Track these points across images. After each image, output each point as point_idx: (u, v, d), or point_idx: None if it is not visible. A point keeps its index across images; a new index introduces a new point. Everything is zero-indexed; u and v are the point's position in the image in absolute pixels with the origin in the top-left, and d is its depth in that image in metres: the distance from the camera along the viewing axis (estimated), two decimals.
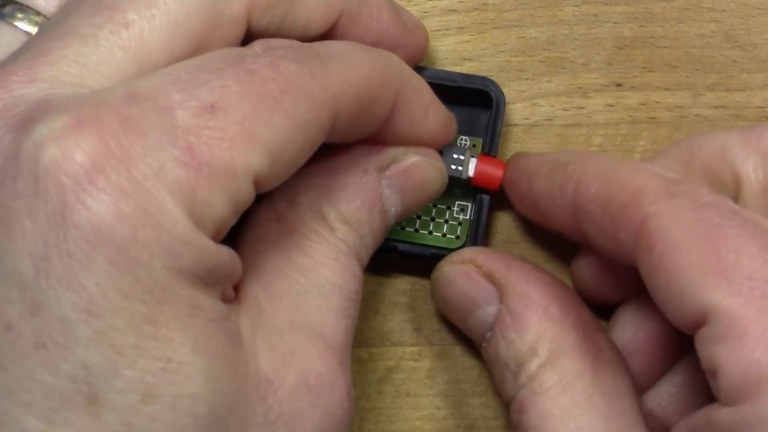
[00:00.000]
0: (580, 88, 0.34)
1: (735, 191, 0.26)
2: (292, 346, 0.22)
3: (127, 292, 0.19)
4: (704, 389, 0.23)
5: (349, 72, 0.23)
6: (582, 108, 0.34)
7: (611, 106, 0.34)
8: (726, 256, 0.21)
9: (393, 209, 0.26)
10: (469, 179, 0.30)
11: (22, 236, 0.19)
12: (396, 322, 0.33)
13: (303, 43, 0.24)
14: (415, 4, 0.34)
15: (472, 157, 0.30)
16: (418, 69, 0.31)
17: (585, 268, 0.30)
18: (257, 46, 0.23)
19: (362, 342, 0.33)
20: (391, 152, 0.26)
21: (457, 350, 0.33)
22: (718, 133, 0.26)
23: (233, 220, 0.21)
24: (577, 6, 0.34)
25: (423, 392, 0.33)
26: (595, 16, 0.34)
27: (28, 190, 0.19)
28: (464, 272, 0.29)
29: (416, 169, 0.27)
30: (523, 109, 0.34)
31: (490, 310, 0.28)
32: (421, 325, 0.33)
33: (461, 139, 0.33)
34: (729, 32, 0.34)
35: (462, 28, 0.34)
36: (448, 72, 0.32)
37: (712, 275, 0.21)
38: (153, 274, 0.19)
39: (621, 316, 0.29)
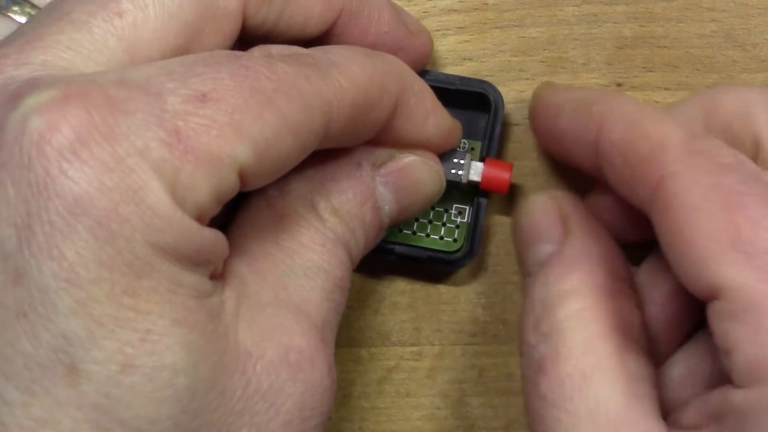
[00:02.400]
0: (580, 88, 0.34)
1: (755, 153, 0.25)
2: (274, 320, 0.22)
3: (107, 263, 0.19)
4: (719, 368, 0.23)
5: (346, 79, 0.23)
6: None
7: None
8: (744, 227, 0.21)
9: (387, 207, 0.26)
10: (470, 183, 0.30)
11: (6, 205, 0.19)
12: (396, 322, 0.33)
13: (303, 50, 0.24)
14: (415, 4, 0.34)
15: (476, 161, 0.30)
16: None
17: (600, 204, 0.29)
18: (256, 50, 0.23)
19: (362, 342, 0.33)
20: (387, 149, 0.26)
21: (457, 350, 0.33)
22: (740, 90, 0.26)
23: (215, 209, 0.21)
24: (577, 6, 0.34)
25: (423, 392, 0.33)
26: (595, 16, 0.34)
27: (12, 160, 0.19)
28: (544, 203, 0.29)
29: (412, 168, 0.27)
30: (523, 109, 0.34)
31: (548, 247, 0.28)
32: (421, 325, 0.33)
33: (461, 142, 0.32)
34: (729, 32, 0.34)
35: (462, 27, 0.34)
36: (446, 75, 0.32)
37: (728, 248, 0.21)
38: (134, 248, 0.19)
39: (637, 277, 0.28)
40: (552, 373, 0.25)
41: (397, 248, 0.32)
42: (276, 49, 0.23)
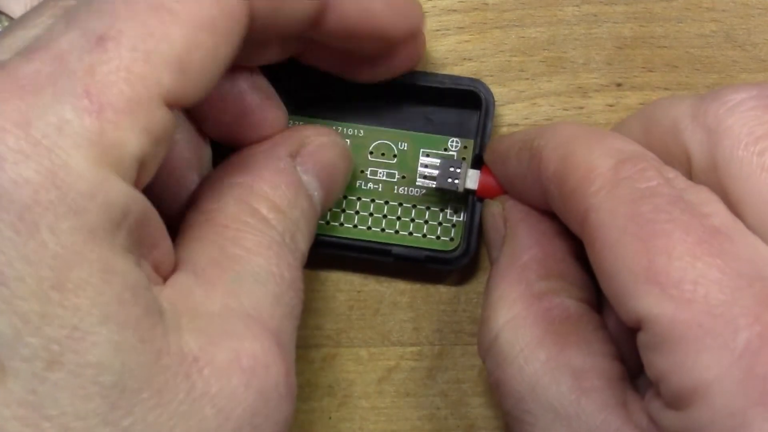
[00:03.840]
0: (580, 87, 0.34)
1: (688, 166, 0.24)
2: (224, 327, 0.22)
3: (32, 258, 0.18)
4: None
5: None
6: (582, 108, 0.34)
7: (611, 106, 0.34)
8: (656, 258, 0.21)
9: (316, 194, 0.26)
10: (467, 192, 0.30)
11: None
12: (396, 322, 0.33)
13: None
14: None
15: (473, 168, 0.30)
16: (407, 73, 0.31)
17: None
18: None
19: (362, 342, 0.33)
20: (297, 137, 0.27)
21: (457, 350, 0.33)
22: (673, 104, 0.25)
23: (159, 152, 0.21)
24: (577, 6, 0.34)
25: (423, 392, 0.33)
26: (595, 16, 0.34)
27: None
28: (493, 210, 0.29)
29: (323, 150, 0.27)
30: (523, 109, 0.34)
31: (495, 254, 0.28)
32: (421, 325, 0.33)
33: (452, 141, 0.33)
34: (729, 32, 0.34)
35: (462, 27, 0.34)
36: (436, 74, 0.32)
37: (643, 281, 0.21)
38: (60, 237, 0.19)
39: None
40: (504, 389, 0.25)
41: (395, 249, 0.32)
42: None
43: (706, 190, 0.23)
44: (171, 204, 0.26)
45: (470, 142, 0.32)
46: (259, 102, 0.27)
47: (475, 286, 0.33)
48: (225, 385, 0.21)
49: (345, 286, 0.33)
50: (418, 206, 0.33)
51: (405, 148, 0.33)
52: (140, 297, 0.20)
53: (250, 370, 0.21)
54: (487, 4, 0.34)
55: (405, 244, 0.32)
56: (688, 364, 0.20)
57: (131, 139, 0.19)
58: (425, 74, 0.32)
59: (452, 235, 0.32)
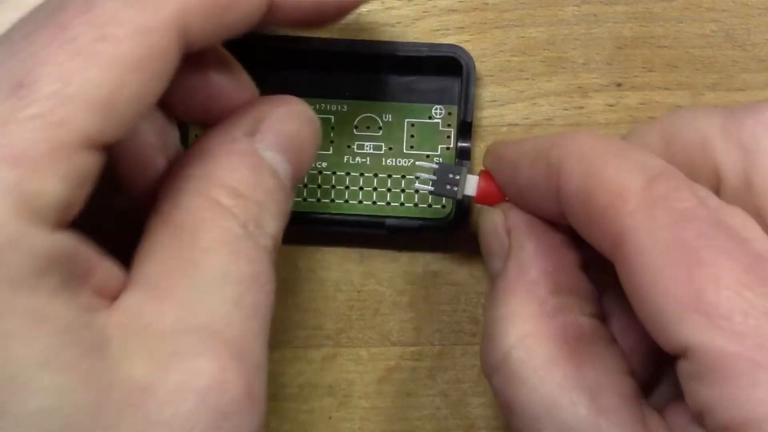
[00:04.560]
0: (580, 87, 0.34)
1: (715, 184, 0.24)
2: (176, 347, 0.21)
3: None
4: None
5: None
6: (582, 108, 0.34)
7: (611, 105, 0.34)
8: (705, 288, 0.20)
9: (281, 168, 0.25)
10: (465, 198, 0.29)
11: None
12: (396, 322, 0.33)
13: None
14: (415, 4, 0.34)
15: (471, 174, 0.29)
16: (385, 44, 0.32)
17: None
18: None
19: (362, 342, 0.33)
20: (252, 114, 0.25)
21: (457, 350, 0.33)
22: (699, 117, 0.24)
23: (81, 193, 0.20)
24: (577, 6, 0.34)
25: (423, 392, 0.33)
26: (595, 16, 0.34)
27: None
28: (493, 218, 0.27)
29: (283, 121, 0.25)
30: (523, 109, 0.34)
31: (497, 264, 0.27)
32: (421, 325, 0.33)
33: (436, 109, 0.33)
34: (729, 32, 0.34)
35: (462, 27, 0.34)
36: (414, 43, 0.32)
37: (690, 311, 0.20)
38: None
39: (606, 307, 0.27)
40: (517, 409, 0.24)
41: (388, 221, 0.32)
42: None
43: (742, 211, 0.22)
44: (139, 192, 0.26)
45: (454, 108, 0.33)
46: (227, 82, 0.26)
47: (474, 286, 0.33)
48: (179, 409, 0.20)
49: (345, 287, 0.33)
50: (408, 176, 0.33)
51: (390, 120, 0.33)
52: (78, 336, 0.19)
53: (205, 390, 0.20)
54: (487, 4, 0.34)
55: (398, 215, 0.32)
56: (740, 399, 0.19)
57: (51, 186, 0.19)
58: (404, 44, 0.32)
59: (444, 202, 0.32)
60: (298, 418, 0.33)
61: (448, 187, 0.29)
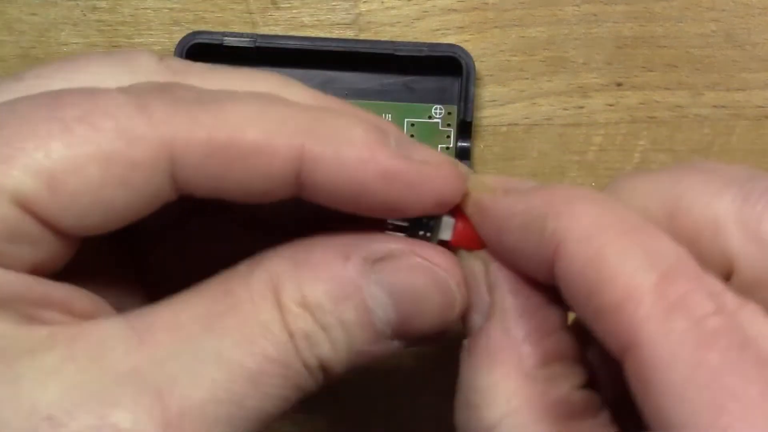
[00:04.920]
0: (580, 87, 0.34)
1: (726, 270, 0.23)
2: (113, 390, 0.19)
3: None
4: None
5: (211, 116, 0.19)
6: (582, 107, 0.34)
7: (611, 105, 0.34)
8: (734, 424, 0.19)
9: (382, 312, 0.22)
10: (440, 243, 0.25)
11: None
12: None
13: (189, 86, 0.21)
14: (415, 4, 0.34)
15: (448, 216, 0.24)
16: (385, 44, 0.32)
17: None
18: (136, 85, 0.21)
19: None
20: (386, 245, 0.22)
21: (457, 350, 0.33)
22: (710, 194, 0.23)
23: (11, 250, 0.20)
24: (577, 6, 0.34)
25: (423, 392, 0.33)
26: (595, 15, 0.34)
27: None
28: (473, 270, 0.25)
29: (413, 272, 0.22)
30: (523, 109, 0.34)
31: (478, 319, 0.24)
32: None
33: (435, 108, 0.33)
34: (729, 32, 0.34)
35: (462, 27, 0.34)
36: (414, 42, 0.32)
37: None
38: None
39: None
40: None
41: (389, 220, 0.32)
42: (180, 83, 0.21)
43: (760, 312, 0.21)
44: None
45: (454, 108, 0.33)
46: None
47: None
48: None
49: None
50: None
51: (390, 119, 0.33)
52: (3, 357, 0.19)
53: None
54: (487, 3, 0.34)
55: None
56: None
57: None
58: (404, 44, 0.32)
59: None
60: (298, 417, 0.33)
61: (422, 233, 0.24)
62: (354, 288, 0.22)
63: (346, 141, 0.20)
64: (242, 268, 0.21)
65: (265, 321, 0.20)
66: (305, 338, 0.21)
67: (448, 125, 0.33)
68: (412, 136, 0.33)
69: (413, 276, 0.22)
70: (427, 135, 0.33)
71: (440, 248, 0.23)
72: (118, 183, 0.19)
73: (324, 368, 0.22)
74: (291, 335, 0.21)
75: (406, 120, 0.33)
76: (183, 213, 0.24)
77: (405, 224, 0.24)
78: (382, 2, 0.34)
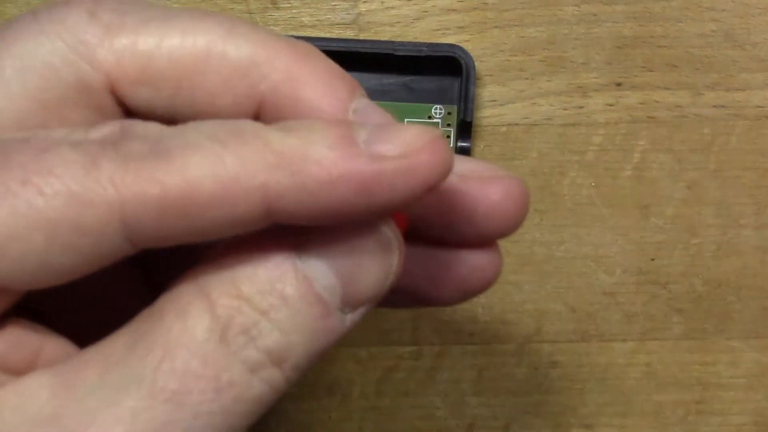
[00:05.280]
0: (579, 87, 0.34)
1: None
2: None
3: None
4: None
5: (159, 171, 0.18)
6: (582, 107, 0.34)
7: (611, 105, 0.34)
8: None
9: (325, 281, 0.20)
10: None
11: None
12: (396, 321, 0.33)
13: (150, 131, 0.19)
14: (415, 4, 0.34)
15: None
16: (385, 43, 0.32)
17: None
18: (102, 129, 0.19)
19: (362, 342, 0.33)
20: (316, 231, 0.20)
21: (457, 350, 0.33)
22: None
23: None
24: (576, 5, 0.34)
25: (422, 392, 0.33)
26: (595, 15, 0.34)
27: None
28: None
29: (344, 238, 0.20)
30: (523, 109, 0.34)
31: None
32: (420, 325, 0.33)
33: (435, 108, 0.33)
34: (729, 32, 0.34)
35: (462, 27, 0.34)
36: (414, 42, 0.32)
37: None
38: None
39: None
40: None
41: None
42: (134, 129, 0.19)
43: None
44: None
45: (454, 108, 0.33)
46: None
47: None
48: None
49: None
50: None
51: None
52: None
53: None
54: (486, 3, 0.34)
55: None
56: None
57: None
58: (404, 44, 0.32)
59: None
60: (298, 417, 0.33)
61: None
62: (289, 262, 0.20)
63: (313, 163, 0.18)
64: (171, 285, 0.20)
65: (190, 329, 0.19)
66: (244, 333, 0.19)
67: (448, 125, 0.33)
68: None
69: (344, 241, 0.20)
70: None
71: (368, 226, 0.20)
72: (64, 248, 0.18)
73: (280, 360, 0.19)
74: (222, 337, 0.19)
75: (406, 120, 0.33)
76: None
77: None
78: (382, 2, 0.34)
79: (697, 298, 0.34)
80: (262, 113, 0.21)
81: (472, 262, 0.23)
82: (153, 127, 0.19)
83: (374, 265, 0.20)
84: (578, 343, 0.34)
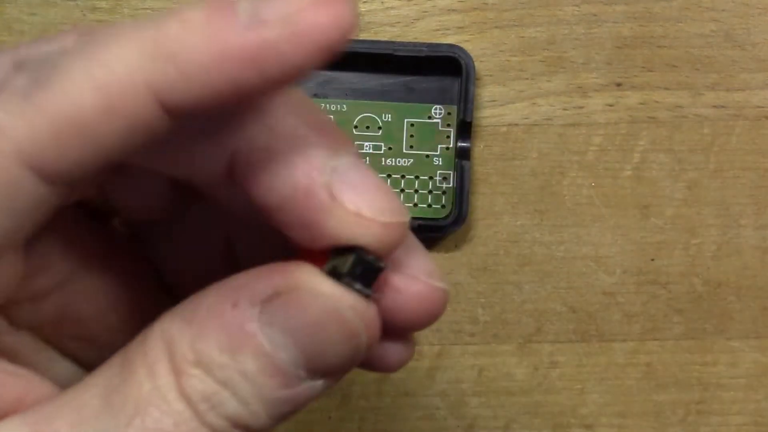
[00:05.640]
0: (579, 87, 0.34)
1: None
2: None
3: None
4: None
5: (47, 99, 0.17)
6: (582, 107, 0.34)
7: (611, 105, 0.34)
8: None
9: (286, 355, 0.19)
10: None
11: None
12: None
13: (45, 59, 0.18)
14: (415, 4, 0.34)
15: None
16: (385, 44, 0.32)
17: None
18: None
19: None
20: (271, 282, 0.20)
21: (457, 350, 0.33)
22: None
23: None
24: (576, 6, 0.34)
25: (423, 392, 0.33)
26: (595, 15, 0.34)
27: None
28: None
29: (304, 307, 0.20)
30: (523, 109, 0.34)
31: None
32: None
33: (435, 109, 0.33)
34: (729, 32, 0.34)
35: (462, 27, 0.34)
36: (414, 42, 0.32)
37: None
38: None
39: None
40: None
41: None
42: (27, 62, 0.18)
43: None
44: None
45: (453, 108, 0.33)
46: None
47: (474, 286, 0.33)
48: None
49: None
50: (408, 176, 0.33)
51: (389, 120, 0.33)
52: None
53: None
54: (486, 3, 0.34)
55: None
56: None
57: None
58: (404, 44, 0.32)
59: (443, 202, 0.33)
60: (298, 417, 0.33)
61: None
62: (247, 335, 0.19)
63: (189, 46, 0.17)
64: (143, 332, 0.19)
65: (160, 388, 0.18)
66: (205, 400, 0.19)
67: (448, 125, 0.33)
68: (411, 136, 0.33)
69: (304, 311, 0.20)
70: (426, 135, 0.33)
71: (327, 279, 0.20)
72: None
73: (243, 426, 0.19)
74: (188, 400, 0.19)
75: (406, 120, 0.33)
76: (177, 203, 0.22)
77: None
78: (382, 2, 0.34)
79: (697, 298, 0.34)
80: (234, 162, 0.19)
81: (385, 350, 0.22)
82: (42, 56, 0.18)
83: (339, 345, 0.20)
84: (578, 343, 0.34)
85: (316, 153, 0.19)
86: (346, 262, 0.20)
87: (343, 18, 0.17)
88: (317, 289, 0.20)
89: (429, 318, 0.21)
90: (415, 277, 0.21)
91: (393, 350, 0.22)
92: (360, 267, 0.19)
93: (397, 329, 0.21)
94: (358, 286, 0.19)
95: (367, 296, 0.19)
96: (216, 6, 0.17)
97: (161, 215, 0.22)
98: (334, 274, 0.19)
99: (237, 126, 0.19)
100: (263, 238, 0.21)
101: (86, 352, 0.22)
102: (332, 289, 0.20)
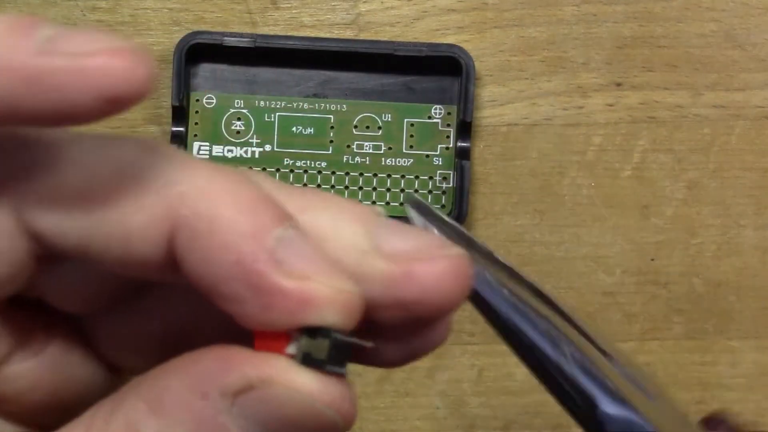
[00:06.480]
0: (579, 87, 0.34)
1: None
2: None
3: None
4: None
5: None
6: (582, 107, 0.34)
7: (611, 105, 0.34)
8: None
9: None
10: None
11: None
12: None
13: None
14: (415, 4, 0.34)
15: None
16: (385, 43, 0.32)
17: None
18: None
19: None
20: (243, 373, 0.19)
21: (457, 350, 0.33)
22: None
23: None
24: (576, 6, 0.34)
25: (423, 392, 0.33)
26: (595, 15, 0.34)
27: None
28: None
29: (277, 402, 0.19)
30: (523, 109, 0.34)
31: None
32: None
33: (435, 108, 0.33)
34: (729, 32, 0.34)
35: (462, 27, 0.34)
36: (414, 42, 0.32)
37: None
38: None
39: None
40: None
41: None
42: None
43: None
44: None
45: (453, 108, 0.33)
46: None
47: None
48: None
49: None
50: (407, 176, 0.33)
51: (389, 120, 0.33)
52: None
53: None
54: (486, 3, 0.34)
55: (397, 215, 0.32)
56: None
57: None
58: (403, 44, 0.32)
59: (443, 202, 0.33)
60: None
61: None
62: (220, 428, 0.18)
63: None
64: (106, 406, 0.18)
65: None
66: None
67: (448, 125, 0.33)
68: (411, 136, 0.33)
69: (280, 408, 0.19)
70: (426, 135, 0.33)
71: (302, 371, 0.18)
72: None
73: None
74: None
75: (406, 120, 0.33)
76: (114, 293, 0.21)
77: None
78: (382, 2, 0.34)
79: (697, 298, 0.34)
80: (176, 233, 0.18)
81: (425, 336, 0.20)
82: None
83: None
84: None
85: (258, 235, 0.17)
86: (322, 348, 0.18)
87: (135, 76, 0.16)
88: (293, 385, 0.18)
89: (457, 291, 0.18)
90: (423, 258, 0.19)
91: (438, 333, 0.20)
92: (335, 350, 0.18)
93: (427, 315, 0.19)
94: (334, 368, 0.18)
95: (341, 375, 0.18)
96: (19, 23, 0.16)
97: (98, 305, 0.21)
98: (309, 361, 0.18)
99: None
100: (210, 315, 0.19)
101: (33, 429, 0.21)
102: (309, 384, 0.18)
